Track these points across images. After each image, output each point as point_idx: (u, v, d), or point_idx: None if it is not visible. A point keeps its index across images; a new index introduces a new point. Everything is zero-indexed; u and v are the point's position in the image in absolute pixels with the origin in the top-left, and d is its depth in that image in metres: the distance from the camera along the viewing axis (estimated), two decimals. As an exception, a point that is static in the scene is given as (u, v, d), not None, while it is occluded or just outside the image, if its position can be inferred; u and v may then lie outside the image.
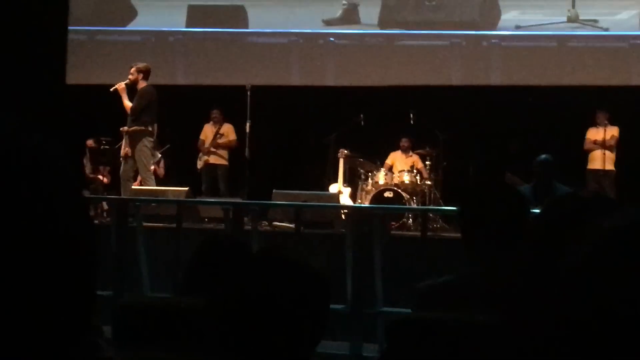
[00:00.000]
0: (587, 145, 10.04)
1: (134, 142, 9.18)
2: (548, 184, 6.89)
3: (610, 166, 9.94)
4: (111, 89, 9.28)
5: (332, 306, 5.89)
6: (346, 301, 6.92)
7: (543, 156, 7.04)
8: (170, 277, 6.93)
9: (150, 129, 9.22)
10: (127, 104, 9.20)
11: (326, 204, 8.49)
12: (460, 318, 2.09)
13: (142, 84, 9.24)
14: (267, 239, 7.49)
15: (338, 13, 11.75)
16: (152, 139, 9.33)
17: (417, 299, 2.35)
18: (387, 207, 9.09)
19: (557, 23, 11.21)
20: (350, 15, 11.73)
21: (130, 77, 9.27)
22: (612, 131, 9.94)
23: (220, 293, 1.66)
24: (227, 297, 1.65)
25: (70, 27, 12.41)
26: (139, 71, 9.27)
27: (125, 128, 9.28)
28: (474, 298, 2.17)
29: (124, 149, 9.29)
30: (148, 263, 7.42)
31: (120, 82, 9.28)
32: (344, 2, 11.74)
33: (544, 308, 1.26)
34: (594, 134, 9.99)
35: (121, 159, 9.32)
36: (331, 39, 11.77)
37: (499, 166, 9.86)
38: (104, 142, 10.05)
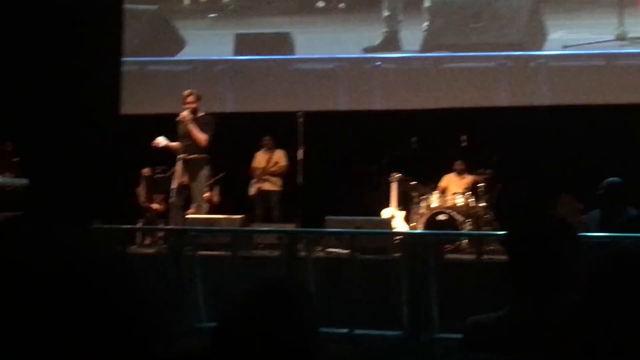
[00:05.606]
0: None
1: (194, 170, 8.90)
2: (618, 208, 6.47)
3: None
4: (177, 119, 8.87)
5: (388, 332, 5.75)
6: (402, 327, 6.89)
7: (611, 179, 6.41)
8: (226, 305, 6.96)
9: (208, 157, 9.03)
10: (199, 135, 8.82)
11: (380, 230, 8.45)
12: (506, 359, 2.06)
13: (200, 113, 9.01)
14: (321, 265, 7.49)
15: (378, 41, 11.74)
16: (209, 167, 9.19)
17: (464, 335, 2.30)
18: (441, 232, 8.96)
19: (605, 41, 11.08)
20: (390, 42, 11.70)
21: (192, 105, 8.90)
22: None
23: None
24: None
25: (122, 59, 12.46)
26: (199, 98, 9.01)
27: (185, 155, 8.91)
28: (520, 337, 2.12)
29: (181, 177, 8.90)
30: (204, 291, 7.47)
31: (182, 112, 8.88)
32: (384, 29, 11.74)
33: (588, 351, 1.25)
34: None
35: (173, 188, 8.92)
36: (377, 63, 11.79)
37: (554, 188, 9.71)
38: (158, 170, 10.01)
